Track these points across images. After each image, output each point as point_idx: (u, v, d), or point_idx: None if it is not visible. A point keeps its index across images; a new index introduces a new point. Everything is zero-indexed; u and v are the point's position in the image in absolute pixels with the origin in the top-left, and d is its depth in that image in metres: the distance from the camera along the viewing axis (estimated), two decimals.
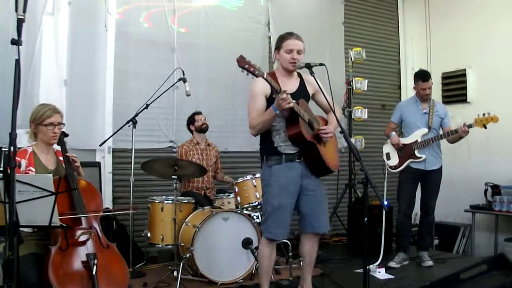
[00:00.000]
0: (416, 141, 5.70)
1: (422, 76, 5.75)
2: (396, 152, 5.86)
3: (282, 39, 4.06)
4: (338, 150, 4.39)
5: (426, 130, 5.70)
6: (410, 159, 5.73)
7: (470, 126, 5.48)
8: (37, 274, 3.28)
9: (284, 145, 3.99)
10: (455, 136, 5.61)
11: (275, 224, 3.98)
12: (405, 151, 5.77)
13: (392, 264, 5.68)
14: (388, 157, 5.96)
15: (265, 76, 3.66)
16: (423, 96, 5.75)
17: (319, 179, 4.17)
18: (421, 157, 5.67)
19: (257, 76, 3.66)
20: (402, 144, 5.79)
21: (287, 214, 4.00)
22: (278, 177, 3.98)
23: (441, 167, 5.80)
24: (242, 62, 3.63)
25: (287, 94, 3.71)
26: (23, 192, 2.75)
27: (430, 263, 5.73)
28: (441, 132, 5.74)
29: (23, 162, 3.60)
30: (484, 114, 5.48)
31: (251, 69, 3.63)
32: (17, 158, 3.53)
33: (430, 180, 5.76)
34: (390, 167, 5.93)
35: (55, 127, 3.75)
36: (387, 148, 5.98)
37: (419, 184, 5.85)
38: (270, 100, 3.89)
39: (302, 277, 4.33)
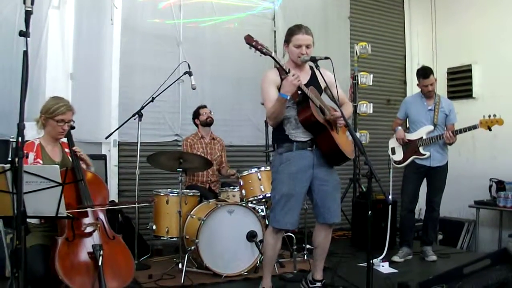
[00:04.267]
0: (421, 138, 5.70)
1: (422, 73, 5.74)
2: (401, 147, 5.87)
3: (291, 33, 4.04)
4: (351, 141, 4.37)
5: (431, 127, 5.69)
6: (414, 155, 5.74)
7: (464, 130, 5.51)
8: (43, 265, 3.30)
9: (295, 133, 4.00)
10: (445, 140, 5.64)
11: (283, 212, 3.95)
12: (410, 147, 5.78)
13: (396, 258, 5.70)
14: (393, 152, 5.97)
15: (272, 55, 3.73)
16: (426, 93, 5.75)
17: (333, 168, 4.15)
18: (425, 154, 5.67)
19: (265, 54, 3.72)
20: (408, 139, 5.80)
21: (296, 203, 3.98)
22: (288, 164, 3.98)
23: (447, 163, 5.80)
24: (249, 40, 3.71)
25: (295, 73, 3.75)
26: (30, 182, 2.78)
27: (433, 257, 5.75)
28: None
29: (31, 155, 3.62)
30: (490, 116, 5.49)
31: (259, 47, 3.70)
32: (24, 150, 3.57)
33: (436, 177, 5.76)
34: (395, 162, 5.95)
35: (65, 124, 3.76)
36: (393, 143, 5.99)
37: (425, 179, 5.86)
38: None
39: (313, 266, 4.35)
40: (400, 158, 5.89)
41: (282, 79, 3.86)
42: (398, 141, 5.86)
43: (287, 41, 4.08)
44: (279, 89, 3.92)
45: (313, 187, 4.07)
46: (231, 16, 7.11)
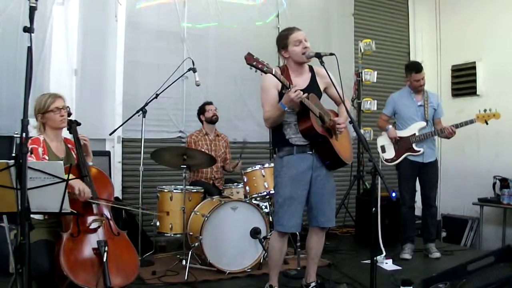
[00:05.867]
0: (414, 134, 5.69)
1: (415, 67, 5.74)
2: (393, 145, 5.84)
3: (285, 36, 4.02)
4: (351, 142, 4.39)
5: (424, 123, 5.69)
6: (407, 152, 5.72)
7: (460, 125, 5.52)
8: (48, 260, 3.30)
9: (296, 137, 4.00)
10: (442, 135, 5.64)
11: (287, 215, 3.96)
12: (402, 144, 5.76)
13: (406, 255, 5.68)
14: (384, 150, 5.93)
15: (273, 72, 3.67)
16: (417, 88, 5.74)
17: (330, 172, 4.16)
18: (419, 151, 5.67)
19: (265, 73, 3.66)
20: (399, 137, 5.79)
21: (298, 205, 3.99)
22: (289, 167, 3.98)
23: (436, 159, 5.83)
24: (249, 59, 3.61)
25: (297, 89, 3.72)
26: (34, 178, 2.78)
27: (437, 254, 5.73)
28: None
29: (40, 149, 3.63)
30: (485, 110, 5.49)
31: (259, 66, 3.62)
32: (33, 145, 3.58)
33: (429, 172, 5.77)
34: (386, 160, 5.90)
35: (61, 110, 3.76)
36: (382, 140, 5.97)
37: (417, 177, 5.85)
38: (281, 93, 3.88)
39: (307, 270, 4.35)
40: (391, 156, 5.85)
41: (283, 93, 3.83)
42: (391, 139, 5.83)
43: (284, 46, 4.04)
44: (279, 91, 3.92)
45: (311, 190, 4.07)
46: (234, 13, 7.10)
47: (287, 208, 3.96)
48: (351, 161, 4.35)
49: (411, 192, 5.81)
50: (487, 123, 5.55)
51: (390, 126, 5.86)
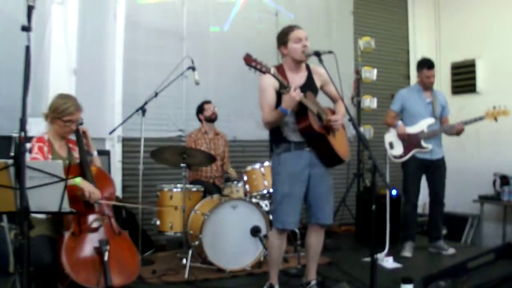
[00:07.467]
0: (422, 131, 5.68)
1: (427, 64, 5.72)
2: (401, 141, 5.81)
3: (286, 33, 4.01)
4: (348, 140, 4.39)
5: (433, 120, 5.68)
6: (416, 149, 5.70)
7: (470, 122, 5.51)
8: (50, 253, 3.30)
9: (293, 135, 4.00)
10: (452, 131, 5.62)
11: (285, 212, 3.97)
12: (410, 141, 5.74)
13: (407, 253, 5.68)
14: (392, 146, 5.89)
15: (272, 72, 3.67)
16: (427, 84, 5.72)
17: (328, 169, 4.16)
18: (427, 147, 5.65)
19: (264, 73, 3.66)
20: (407, 133, 5.77)
21: (297, 202, 4.00)
22: (286, 164, 3.98)
23: (443, 156, 5.81)
24: (248, 60, 3.61)
25: (296, 87, 3.72)
26: (34, 178, 2.78)
27: (453, 250, 5.73)
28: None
29: (45, 148, 3.63)
30: (494, 107, 5.48)
31: (258, 66, 3.62)
32: (39, 143, 3.58)
33: (438, 170, 5.76)
34: (395, 156, 5.85)
35: (73, 123, 3.76)
36: (390, 137, 5.91)
37: (424, 175, 5.83)
38: (279, 93, 3.88)
39: (307, 268, 4.35)
40: (400, 152, 5.81)
41: (281, 93, 3.83)
42: (399, 136, 5.80)
43: (284, 42, 4.03)
44: (277, 91, 3.91)
45: (309, 187, 4.07)
46: (234, 11, 7.09)
47: (286, 205, 3.97)
48: (349, 159, 4.35)
49: (417, 190, 5.80)
50: (496, 120, 5.53)
51: (400, 122, 5.80)
